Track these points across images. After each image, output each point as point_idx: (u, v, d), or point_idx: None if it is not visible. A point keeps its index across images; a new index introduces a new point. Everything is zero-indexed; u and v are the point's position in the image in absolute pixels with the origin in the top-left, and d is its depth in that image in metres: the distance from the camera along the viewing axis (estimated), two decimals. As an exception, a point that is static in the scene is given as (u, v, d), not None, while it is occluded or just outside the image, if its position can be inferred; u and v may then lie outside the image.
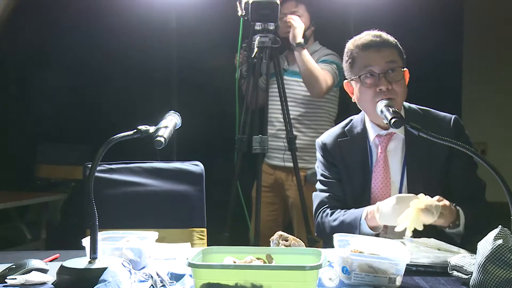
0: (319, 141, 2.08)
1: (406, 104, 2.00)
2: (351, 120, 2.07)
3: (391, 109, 1.68)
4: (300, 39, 2.91)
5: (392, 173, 1.94)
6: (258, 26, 2.72)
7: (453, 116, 1.95)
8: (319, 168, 2.08)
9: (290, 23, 2.93)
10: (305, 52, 2.92)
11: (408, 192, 1.86)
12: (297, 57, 2.93)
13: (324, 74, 2.95)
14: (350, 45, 1.96)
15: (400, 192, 1.91)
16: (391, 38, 1.94)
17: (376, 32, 1.95)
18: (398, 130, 1.90)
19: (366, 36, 1.93)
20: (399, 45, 1.96)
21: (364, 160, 1.97)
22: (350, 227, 1.82)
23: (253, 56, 2.78)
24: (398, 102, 1.89)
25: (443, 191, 1.82)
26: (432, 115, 1.98)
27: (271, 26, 2.72)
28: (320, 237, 2.10)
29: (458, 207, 1.76)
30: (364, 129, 2.00)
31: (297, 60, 2.94)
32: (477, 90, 5.04)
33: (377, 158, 1.96)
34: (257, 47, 2.73)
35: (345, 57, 1.98)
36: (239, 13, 2.75)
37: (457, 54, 4.19)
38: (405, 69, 1.94)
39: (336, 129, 2.08)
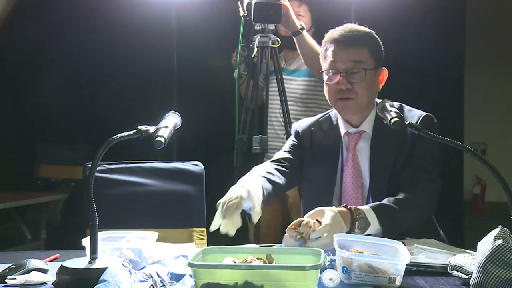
0: (295, 125, 2.10)
1: (378, 100, 1.91)
2: (329, 113, 2.05)
3: (392, 109, 1.62)
4: (299, 23, 2.77)
5: (363, 172, 1.91)
6: (258, 26, 2.71)
7: (424, 114, 1.88)
8: (285, 145, 2.08)
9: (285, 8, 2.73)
10: (306, 34, 2.81)
11: (372, 192, 1.87)
12: (301, 43, 2.78)
13: None
14: (326, 36, 1.95)
15: (368, 192, 1.89)
16: (367, 36, 1.90)
17: (352, 27, 1.91)
18: (367, 129, 1.90)
19: (340, 30, 1.91)
20: (377, 43, 1.92)
21: (333, 156, 1.95)
22: None
23: (253, 56, 2.77)
24: (358, 102, 1.87)
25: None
26: (404, 111, 1.91)
27: (271, 26, 2.72)
28: None
29: (351, 207, 1.69)
30: (337, 124, 1.99)
31: (301, 46, 2.78)
32: (478, 90, 5.06)
33: (346, 157, 1.93)
34: (257, 47, 2.72)
35: (321, 48, 1.97)
36: (241, 14, 2.73)
37: (459, 54, 4.18)
38: (382, 68, 1.92)
39: (312, 118, 2.07)
